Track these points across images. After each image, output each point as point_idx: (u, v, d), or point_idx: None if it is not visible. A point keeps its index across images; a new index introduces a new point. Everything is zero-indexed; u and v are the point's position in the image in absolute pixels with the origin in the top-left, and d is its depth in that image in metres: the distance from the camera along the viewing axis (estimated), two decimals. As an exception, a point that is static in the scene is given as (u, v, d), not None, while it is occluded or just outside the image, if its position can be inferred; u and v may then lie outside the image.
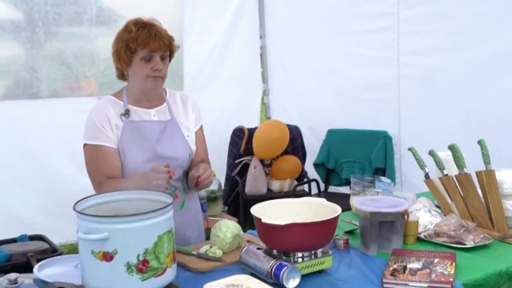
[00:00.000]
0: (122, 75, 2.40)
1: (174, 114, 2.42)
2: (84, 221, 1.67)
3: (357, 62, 4.89)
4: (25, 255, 3.56)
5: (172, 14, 5.19)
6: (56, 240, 4.08)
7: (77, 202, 1.79)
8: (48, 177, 4.62)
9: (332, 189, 5.15)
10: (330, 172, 5.11)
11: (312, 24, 5.21)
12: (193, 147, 2.45)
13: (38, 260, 3.44)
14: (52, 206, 4.60)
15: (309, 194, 4.97)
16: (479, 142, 2.52)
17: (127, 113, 2.32)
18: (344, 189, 5.09)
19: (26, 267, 3.38)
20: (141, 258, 1.65)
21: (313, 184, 5.12)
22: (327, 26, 5.09)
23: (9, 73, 4.58)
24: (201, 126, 2.54)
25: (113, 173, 2.28)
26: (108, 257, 1.64)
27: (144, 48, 2.26)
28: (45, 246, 3.79)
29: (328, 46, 5.11)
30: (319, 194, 4.97)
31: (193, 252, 2.20)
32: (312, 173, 5.20)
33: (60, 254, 3.75)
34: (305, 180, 5.14)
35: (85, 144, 2.32)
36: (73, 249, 4.71)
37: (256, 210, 2.06)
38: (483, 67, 3.93)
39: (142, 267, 1.66)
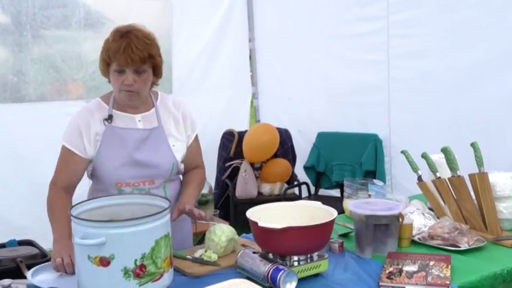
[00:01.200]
0: (109, 81, 2.30)
1: (162, 122, 2.34)
2: (80, 226, 1.66)
3: (346, 65, 4.90)
4: (14, 260, 3.52)
5: (161, 17, 5.19)
6: (45, 245, 4.03)
7: (72, 207, 1.77)
8: (36, 181, 4.54)
9: (322, 192, 5.15)
10: (320, 175, 5.11)
11: (302, 28, 5.22)
12: (179, 157, 2.36)
13: (28, 266, 3.46)
14: (40, 210, 4.49)
15: (299, 197, 4.98)
16: (472, 145, 2.53)
17: (110, 118, 2.26)
18: (334, 192, 5.11)
19: (15, 272, 3.35)
20: (138, 263, 1.64)
21: (304, 187, 5.12)
22: (317, 29, 5.09)
23: (-4, 76, 4.54)
24: (196, 135, 2.48)
25: (70, 180, 2.31)
26: (105, 262, 1.62)
27: (114, 61, 2.17)
28: (35, 251, 3.75)
29: (318, 49, 5.12)
30: (310, 197, 4.98)
31: (188, 256, 2.19)
32: (301, 176, 5.20)
33: (50, 259, 3.72)
34: (295, 183, 5.15)
35: (62, 144, 2.31)
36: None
37: (252, 213, 2.05)
38: (473, 70, 3.95)
39: (139, 272, 1.65)
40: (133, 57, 2.14)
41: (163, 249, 1.70)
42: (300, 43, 5.27)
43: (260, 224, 1.93)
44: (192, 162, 2.49)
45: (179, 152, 2.37)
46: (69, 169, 2.29)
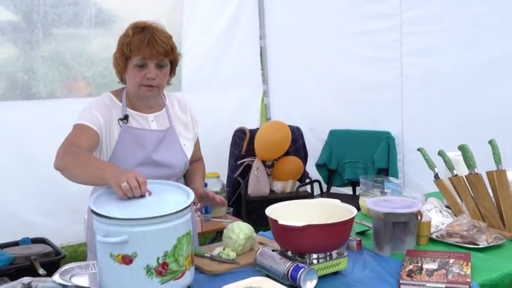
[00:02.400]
0: (122, 79, 2.29)
1: (173, 122, 2.34)
2: (102, 224, 1.65)
3: (358, 62, 4.88)
4: (28, 258, 3.56)
5: (172, 15, 5.18)
6: (56, 241, 4.07)
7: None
8: (46, 178, 4.58)
9: (334, 189, 5.14)
10: (332, 173, 5.10)
11: (313, 25, 5.20)
12: (189, 156, 2.39)
13: (42, 263, 3.48)
14: (50, 206, 4.60)
15: (311, 194, 4.97)
16: (490, 142, 2.51)
17: (126, 118, 2.22)
18: (346, 190, 5.10)
19: (29, 270, 3.38)
20: (160, 261, 1.64)
21: (316, 185, 5.11)
22: (328, 26, 5.07)
23: (7, 74, 4.55)
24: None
25: (87, 148, 2.12)
26: (127, 260, 1.62)
27: (137, 54, 2.14)
28: (48, 249, 3.78)
29: (330, 47, 5.10)
30: (322, 195, 4.97)
31: (206, 254, 2.19)
32: (313, 173, 5.19)
33: (64, 257, 3.75)
34: (307, 181, 5.14)
35: (77, 124, 2.16)
36: (73, 251, 4.69)
37: (270, 211, 2.05)
38: (486, 68, 3.93)
39: (162, 270, 1.64)
40: (158, 49, 2.13)
41: (185, 247, 1.70)
42: (311, 40, 5.24)
43: (280, 222, 1.93)
44: (196, 156, 2.52)
45: (189, 150, 2.39)
46: (81, 138, 2.11)
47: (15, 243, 3.89)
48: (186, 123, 2.40)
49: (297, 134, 5.16)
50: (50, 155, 4.68)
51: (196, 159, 2.52)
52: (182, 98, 2.45)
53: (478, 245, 2.25)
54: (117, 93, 2.28)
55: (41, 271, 3.38)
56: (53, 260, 3.66)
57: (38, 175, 4.55)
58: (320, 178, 5.13)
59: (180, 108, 2.40)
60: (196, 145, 2.50)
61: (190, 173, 2.47)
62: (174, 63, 2.26)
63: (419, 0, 4.35)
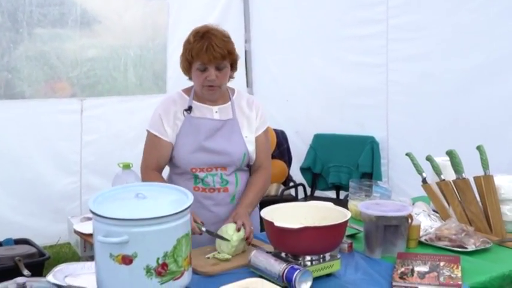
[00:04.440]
0: (190, 78, 2.51)
1: (237, 115, 2.51)
2: (103, 224, 1.66)
3: (344, 67, 4.92)
4: (12, 259, 3.52)
5: (158, 16, 5.20)
6: (38, 241, 4.03)
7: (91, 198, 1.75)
8: (28, 178, 4.58)
9: (318, 193, 5.17)
10: (316, 176, 5.13)
11: (299, 29, 5.24)
12: (251, 149, 2.52)
13: (26, 264, 3.44)
14: (32, 206, 4.59)
15: (295, 198, 5.00)
16: (478, 148, 2.56)
17: (189, 109, 2.47)
18: (330, 194, 5.14)
19: (13, 271, 3.34)
20: (160, 262, 1.65)
21: (300, 188, 5.14)
22: (314, 30, 5.11)
23: (-9, 73, 4.51)
24: (265, 130, 2.61)
25: (159, 162, 2.51)
26: (127, 260, 1.63)
27: (198, 60, 2.36)
28: (32, 250, 3.75)
29: (316, 51, 5.13)
30: (306, 198, 5.00)
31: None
32: (297, 177, 5.22)
33: (48, 258, 3.71)
34: (291, 184, 5.16)
35: (147, 130, 2.52)
36: (56, 252, 4.65)
37: (265, 213, 2.07)
38: (471, 74, 3.99)
39: (161, 271, 1.65)
40: (215, 55, 2.34)
41: (184, 248, 1.71)
42: (297, 44, 5.27)
43: (276, 224, 1.95)
44: (260, 160, 2.59)
45: (251, 143, 2.53)
46: (156, 152, 2.49)
47: (-2, 244, 3.85)
48: (250, 118, 2.55)
49: (281, 138, 5.18)
50: (33, 155, 4.68)
51: (258, 163, 2.60)
52: (252, 97, 2.67)
53: (467, 248, 2.30)
54: (187, 90, 2.55)
55: (26, 272, 3.34)
56: (37, 261, 3.63)
57: (20, 175, 4.54)
58: (304, 182, 5.16)
59: (247, 104, 2.57)
60: (259, 146, 2.58)
61: (247, 186, 2.56)
62: (233, 63, 2.47)
63: (406, 7, 4.40)
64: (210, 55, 2.33)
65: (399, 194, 3.72)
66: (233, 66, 2.48)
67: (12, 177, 4.52)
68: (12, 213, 4.50)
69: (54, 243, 4.64)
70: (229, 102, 2.54)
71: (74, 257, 4.27)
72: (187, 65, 2.42)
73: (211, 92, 2.44)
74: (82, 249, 3.66)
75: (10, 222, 4.38)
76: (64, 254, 4.68)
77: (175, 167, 2.53)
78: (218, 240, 2.26)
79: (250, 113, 2.56)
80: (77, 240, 3.71)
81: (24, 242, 3.95)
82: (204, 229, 2.27)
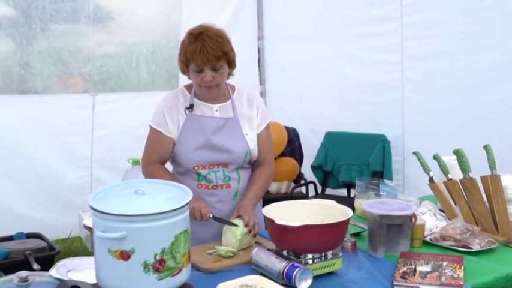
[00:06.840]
0: (189, 77, 2.50)
1: (237, 113, 2.52)
2: (101, 219, 1.66)
3: (359, 64, 4.90)
4: (23, 253, 3.55)
5: (170, 13, 5.22)
6: (49, 235, 4.07)
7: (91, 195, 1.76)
8: (40, 172, 4.63)
9: (329, 191, 5.15)
10: (327, 174, 5.12)
11: (312, 26, 5.22)
12: (252, 146, 2.52)
13: (36, 258, 3.47)
14: (43, 200, 4.63)
15: (306, 196, 4.99)
16: (485, 147, 2.54)
17: (191, 107, 2.48)
18: (341, 192, 5.12)
19: (24, 265, 3.37)
20: (158, 258, 1.65)
21: (311, 186, 5.13)
22: (329, 28, 5.09)
23: (3, 68, 4.56)
24: (267, 126, 2.61)
25: (161, 157, 2.52)
26: (125, 256, 1.63)
27: (193, 62, 2.36)
28: (43, 244, 3.78)
29: (329, 48, 5.11)
30: (316, 196, 4.99)
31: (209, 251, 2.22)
32: (309, 175, 5.21)
33: (58, 252, 3.74)
34: (302, 182, 5.15)
35: (150, 126, 2.52)
36: (67, 247, 4.69)
37: (267, 211, 2.07)
38: (486, 72, 3.96)
39: (159, 267, 1.65)
40: (209, 57, 2.33)
41: (182, 244, 1.71)
42: (310, 42, 5.25)
43: (277, 221, 1.95)
44: (263, 155, 2.59)
45: (252, 141, 2.53)
46: (158, 147, 2.50)
47: (10, 238, 3.89)
48: (251, 115, 2.55)
49: (293, 135, 5.17)
50: (44, 149, 4.72)
51: (262, 158, 2.60)
52: (252, 94, 2.66)
53: (472, 248, 2.27)
54: (189, 87, 2.55)
55: (36, 266, 3.38)
56: (47, 255, 3.66)
57: (31, 169, 4.59)
58: (315, 179, 5.14)
59: (247, 101, 2.57)
60: (262, 142, 2.58)
61: (250, 181, 2.57)
62: (230, 61, 2.45)
63: (420, 4, 4.38)
64: (203, 57, 2.32)
65: (415, 192, 3.71)
66: (230, 65, 2.47)
67: (24, 171, 4.57)
68: (24, 207, 4.55)
69: (66, 237, 4.68)
70: (230, 101, 2.54)
71: (85, 252, 4.31)
72: (184, 66, 2.43)
73: (209, 91, 2.44)
74: (92, 243, 3.68)
75: (22, 216, 4.44)
76: (75, 248, 4.72)
77: (178, 166, 2.54)
78: (224, 234, 2.28)
79: (251, 110, 2.56)
80: (87, 235, 3.74)
81: (36, 236, 3.98)
82: (211, 215, 2.31)
